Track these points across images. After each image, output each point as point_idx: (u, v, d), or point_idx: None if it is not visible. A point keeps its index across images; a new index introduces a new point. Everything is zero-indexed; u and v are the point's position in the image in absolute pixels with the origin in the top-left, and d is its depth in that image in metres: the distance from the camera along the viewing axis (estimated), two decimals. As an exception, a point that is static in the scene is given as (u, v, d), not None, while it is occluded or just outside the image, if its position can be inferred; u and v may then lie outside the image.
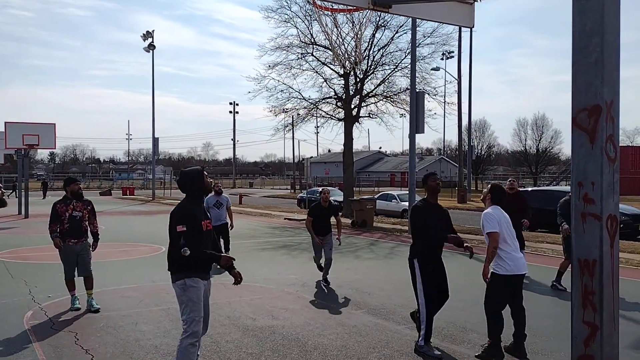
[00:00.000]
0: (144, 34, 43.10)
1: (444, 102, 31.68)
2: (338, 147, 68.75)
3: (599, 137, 3.04)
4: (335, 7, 4.79)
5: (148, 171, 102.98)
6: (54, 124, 24.32)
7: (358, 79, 25.34)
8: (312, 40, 24.84)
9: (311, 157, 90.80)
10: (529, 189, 24.17)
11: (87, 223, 7.63)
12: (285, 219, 23.99)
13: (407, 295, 7.67)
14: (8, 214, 24.63)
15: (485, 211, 5.47)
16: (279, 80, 26.09)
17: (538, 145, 62.55)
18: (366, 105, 26.61)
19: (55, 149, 27.08)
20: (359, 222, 19.94)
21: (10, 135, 23.08)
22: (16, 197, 30.45)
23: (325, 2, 4.68)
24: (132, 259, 12.10)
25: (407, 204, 20.94)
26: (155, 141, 44.06)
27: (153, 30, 43.09)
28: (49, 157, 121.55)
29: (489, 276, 5.34)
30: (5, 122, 23.39)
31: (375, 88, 26.12)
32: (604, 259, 3.05)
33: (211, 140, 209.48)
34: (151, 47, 42.85)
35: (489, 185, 5.73)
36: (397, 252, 13.34)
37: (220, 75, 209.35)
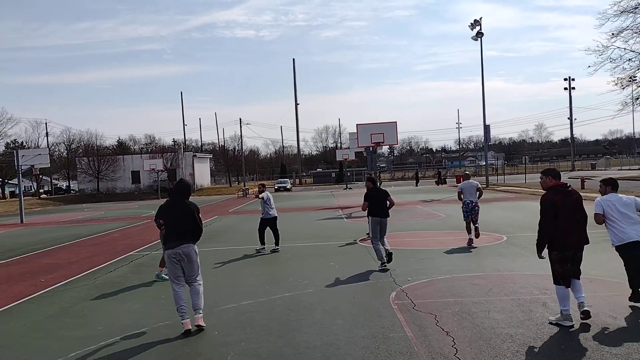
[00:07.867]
0: (471, 23, 43.60)
1: None
2: None
3: None
4: None
5: (479, 158, 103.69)
6: (395, 122, 26.77)
7: None
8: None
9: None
10: None
11: None
12: None
13: None
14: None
15: None
16: (625, 49, 23.20)
17: None
18: None
19: (397, 144, 29.91)
20: None
21: (361, 135, 26.45)
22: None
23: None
24: (477, 247, 12.50)
25: None
26: (487, 128, 44.15)
27: (481, 18, 43.17)
28: (388, 151, 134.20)
29: None
30: (357, 125, 26.85)
31: None
32: None
33: (544, 121, 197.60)
34: (479, 35, 43.00)
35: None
36: None
37: (548, 51, 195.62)
